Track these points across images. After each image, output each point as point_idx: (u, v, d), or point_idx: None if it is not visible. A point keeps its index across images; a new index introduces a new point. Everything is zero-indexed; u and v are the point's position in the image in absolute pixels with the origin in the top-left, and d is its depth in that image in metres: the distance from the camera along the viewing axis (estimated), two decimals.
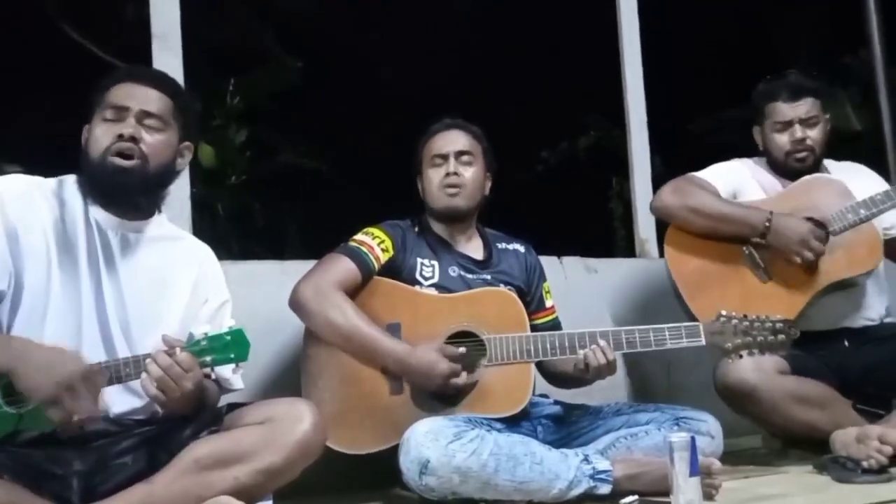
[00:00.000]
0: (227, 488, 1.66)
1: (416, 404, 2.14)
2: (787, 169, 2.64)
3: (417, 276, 2.29)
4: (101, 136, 1.83)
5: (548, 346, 2.19)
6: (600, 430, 2.24)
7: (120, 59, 6.05)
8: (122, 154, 1.82)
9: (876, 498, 1.93)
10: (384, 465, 2.09)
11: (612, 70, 3.53)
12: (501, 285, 2.33)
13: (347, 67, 8.29)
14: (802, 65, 7.12)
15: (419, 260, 2.32)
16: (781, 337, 2.14)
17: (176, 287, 1.89)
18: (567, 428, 2.29)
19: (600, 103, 6.73)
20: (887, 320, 2.64)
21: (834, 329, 2.54)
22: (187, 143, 1.96)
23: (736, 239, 2.54)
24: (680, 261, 2.59)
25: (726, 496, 1.98)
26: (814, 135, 2.62)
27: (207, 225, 7.00)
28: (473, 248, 2.43)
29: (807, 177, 2.61)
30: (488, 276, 2.36)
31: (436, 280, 2.30)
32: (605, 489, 2.02)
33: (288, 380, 2.38)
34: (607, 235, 9.07)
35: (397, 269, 2.29)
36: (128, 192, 1.84)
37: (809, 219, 2.51)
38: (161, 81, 1.93)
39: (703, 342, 2.17)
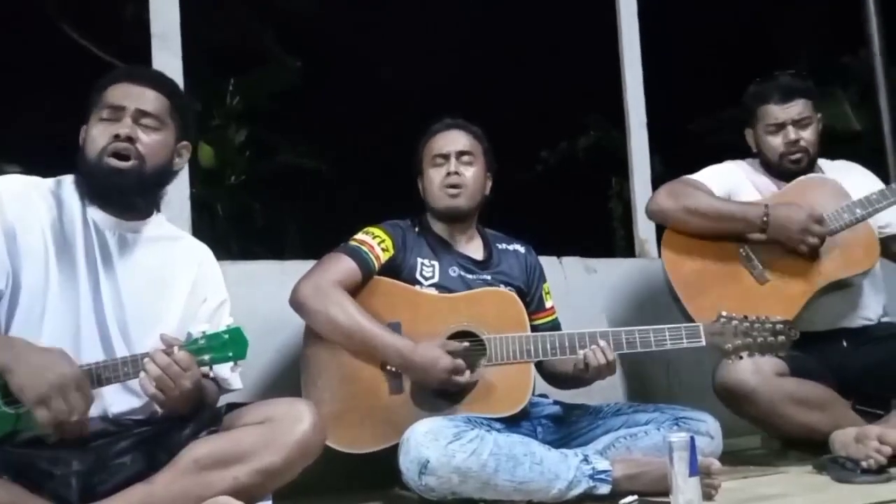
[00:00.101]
0: (226, 488, 1.66)
1: (416, 404, 2.13)
2: (782, 170, 2.64)
3: (417, 276, 2.29)
4: (97, 136, 1.83)
5: (548, 346, 2.19)
6: (600, 430, 2.24)
7: (119, 59, 6.06)
8: (118, 154, 1.81)
9: (875, 498, 1.93)
10: (384, 465, 2.09)
11: (612, 70, 3.53)
12: (501, 286, 2.33)
13: (347, 67, 8.29)
14: (802, 65, 7.13)
15: (419, 260, 2.32)
16: (781, 338, 2.14)
17: (174, 287, 1.89)
18: (567, 428, 2.30)
19: (600, 103, 6.73)
20: (885, 319, 2.64)
21: (832, 329, 2.54)
22: (185, 143, 1.96)
23: (733, 240, 2.54)
24: (677, 263, 2.58)
25: (726, 496, 1.98)
26: (807, 135, 2.62)
27: (207, 225, 7.01)
28: (474, 248, 2.43)
29: (802, 177, 2.61)
30: (488, 277, 2.36)
31: (436, 280, 2.30)
32: (604, 489, 2.02)
33: (287, 380, 2.38)
34: (607, 235, 9.07)
35: (397, 269, 2.29)
36: (124, 193, 1.84)
37: None
38: (158, 81, 1.93)
39: (703, 343, 2.17)
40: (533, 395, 2.27)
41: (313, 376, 2.19)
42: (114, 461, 1.67)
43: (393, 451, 2.01)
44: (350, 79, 8.20)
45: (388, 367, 2.16)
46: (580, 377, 2.21)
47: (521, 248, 2.50)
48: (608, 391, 2.60)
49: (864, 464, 2.12)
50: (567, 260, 3.03)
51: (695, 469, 1.74)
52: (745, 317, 2.15)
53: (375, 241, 2.28)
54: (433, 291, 2.28)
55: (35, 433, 1.63)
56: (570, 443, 2.22)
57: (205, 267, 1.97)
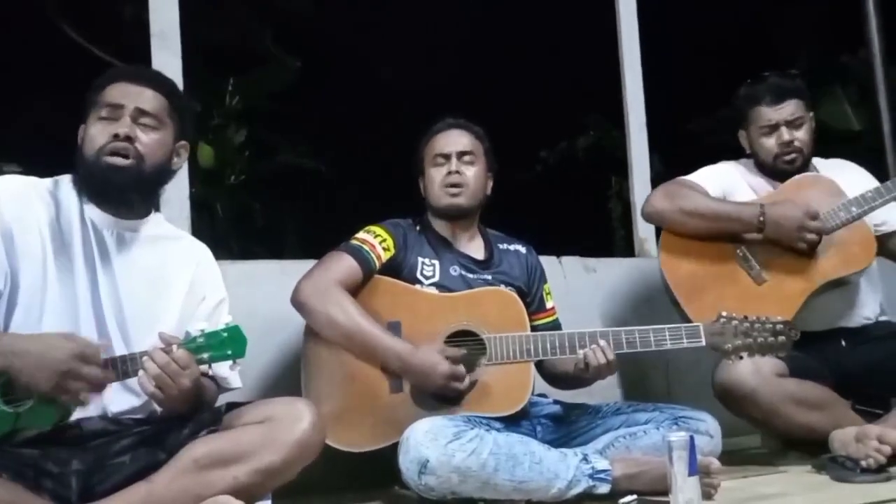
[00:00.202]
0: (226, 488, 1.66)
1: (416, 403, 2.14)
2: (777, 171, 2.64)
3: (418, 275, 2.29)
4: (96, 135, 1.83)
5: (547, 345, 2.19)
6: (599, 429, 2.24)
7: (119, 58, 6.05)
8: (117, 153, 1.82)
9: (875, 497, 1.94)
10: (384, 465, 2.10)
11: (612, 70, 3.53)
12: (502, 285, 2.33)
13: (347, 67, 8.29)
14: (802, 64, 7.12)
15: (420, 259, 2.32)
16: (782, 338, 2.14)
17: (173, 286, 1.90)
18: (566, 427, 2.30)
19: (600, 103, 6.73)
20: (883, 318, 2.65)
21: (830, 329, 2.55)
22: (183, 142, 1.96)
23: (730, 241, 2.54)
24: (674, 265, 2.59)
25: (725, 495, 1.98)
26: (800, 135, 2.62)
27: (206, 225, 7.00)
28: (475, 247, 2.43)
29: (797, 176, 2.61)
30: (489, 276, 2.36)
31: (436, 279, 2.30)
32: (604, 488, 2.02)
33: (287, 379, 2.38)
34: (606, 235, 9.06)
35: (398, 268, 2.29)
36: (123, 191, 1.85)
37: None
38: (156, 80, 1.94)
39: (703, 343, 2.17)
40: (532, 394, 2.27)
41: (313, 375, 2.19)
42: (113, 460, 1.67)
43: (393, 451, 2.01)
44: (350, 79, 8.19)
45: None
46: (580, 377, 2.21)
47: (522, 249, 2.50)
48: (607, 391, 2.60)
49: (863, 463, 2.13)
50: (567, 260, 3.04)
51: (694, 468, 1.75)
52: (746, 317, 2.16)
53: (377, 241, 2.28)
54: (433, 290, 2.28)
55: (34, 432, 1.63)
56: (570, 442, 2.22)
57: (203, 266, 1.98)
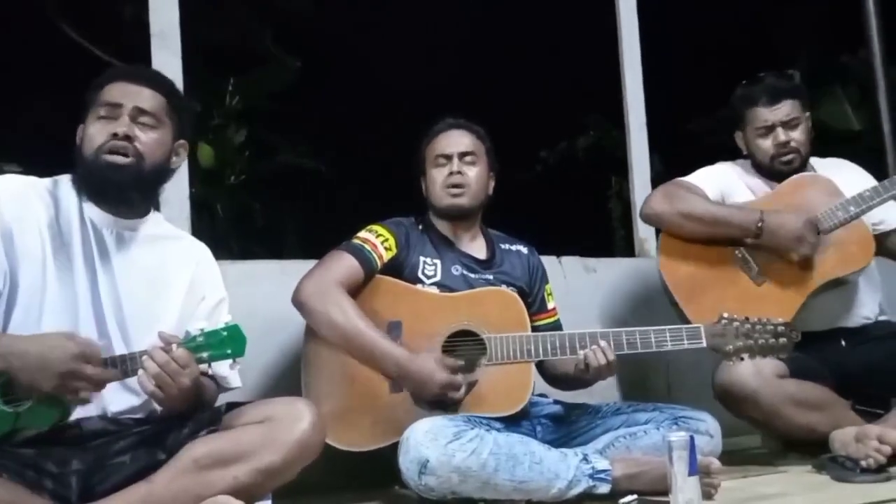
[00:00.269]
0: (226, 488, 1.66)
1: (416, 403, 2.13)
2: (774, 172, 2.64)
3: (420, 275, 2.29)
4: (95, 134, 1.83)
5: (548, 346, 2.19)
6: (599, 429, 2.24)
7: (119, 58, 6.05)
8: (116, 152, 1.82)
9: (874, 497, 1.94)
10: (383, 465, 2.10)
11: (612, 70, 3.53)
12: (503, 285, 2.33)
13: (347, 67, 8.28)
14: (802, 64, 7.12)
15: (422, 258, 2.32)
16: (783, 340, 2.14)
17: (172, 285, 1.90)
18: (566, 427, 2.30)
19: (600, 103, 6.72)
20: (882, 318, 2.65)
21: (830, 329, 2.55)
22: (182, 142, 1.97)
23: (728, 242, 2.54)
24: (673, 267, 2.58)
25: (725, 495, 1.98)
26: (797, 136, 2.62)
27: (206, 225, 6.99)
28: (477, 247, 2.43)
29: (794, 176, 2.61)
30: (490, 276, 2.36)
31: (438, 278, 2.30)
32: (604, 488, 2.02)
33: (287, 379, 2.38)
34: (606, 235, 9.06)
35: (400, 267, 2.29)
36: (122, 190, 1.85)
37: None
38: (155, 80, 1.94)
39: (704, 344, 2.17)
40: (532, 394, 2.27)
41: (314, 374, 2.19)
42: (113, 460, 1.67)
43: (392, 450, 2.01)
44: (350, 79, 8.19)
45: None
46: (581, 378, 2.21)
47: (523, 249, 2.50)
48: (607, 391, 2.60)
49: (863, 463, 2.13)
50: (567, 259, 3.04)
51: (694, 468, 1.74)
52: (747, 318, 2.15)
53: (379, 240, 2.28)
54: (435, 290, 2.28)
55: (34, 432, 1.63)
56: (570, 442, 2.22)
57: (203, 265, 1.98)
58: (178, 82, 2.40)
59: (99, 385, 1.65)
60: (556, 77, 8.13)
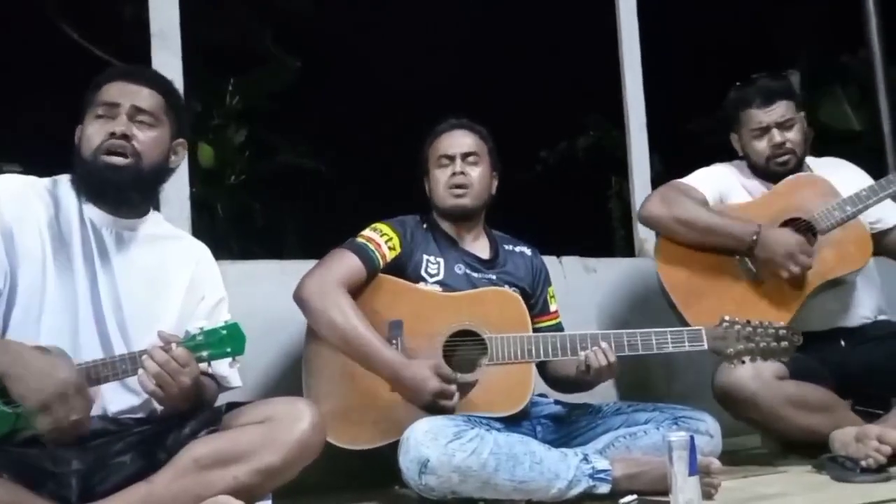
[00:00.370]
0: (226, 488, 1.66)
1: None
2: (770, 173, 2.63)
3: (422, 273, 2.29)
4: (93, 134, 1.83)
5: (549, 346, 2.19)
6: (599, 429, 2.24)
7: (119, 58, 6.05)
8: (114, 152, 1.82)
9: (874, 497, 1.94)
10: (383, 464, 2.10)
11: (612, 70, 3.53)
12: (506, 286, 2.33)
13: (347, 67, 8.28)
14: (802, 64, 7.12)
15: (425, 256, 2.32)
16: (784, 343, 2.13)
17: (172, 285, 1.90)
18: (566, 427, 2.30)
19: (600, 103, 6.72)
20: (882, 317, 2.64)
21: (829, 329, 2.54)
22: (181, 140, 1.97)
23: (724, 250, 2.53)
24: (672, 270, 2.58)
25: (725, 495, 1.98)
26: (792, 136, 2.61)
27: (206, 225, 6.99)
28: (480, 247, 2.43)
29: (790, 176, 2.61)
30: (493, 276, 2.36)
31: (441, 277, 2.30)
32: (604, 488, 2.02)
33: (287, 379, 2.38)
34: (607, 235, 9.06)
35: (403, 266, 2.29)
36: (121, 190, 1.85)
37: (796, 219, 2.51)
38: (153, 79, 1.94)
39: (706, 347, 2.17)
40: (533, 394, 2.27)
41: (315, 373, 2.19)
42: (113, 460, 1.67)
43: (392, 450, 2.01)
44: (350, 79, 8.19)
45: None
46: (582, 380, 2.21)
47: (527, 251, 2.51)
48: (607, 391, 2.60)
49: (863, 463, 2.13)
50: (567, 259, 3.04)
51: (694, 468, 1.74)
52: (748, 321, 2.15)
53: (383, 239, 2.28)
54: (437, 288, 2.28)
55: (35, 432, 1.63)
56: (570, 442, 2.22)
57: (202, 265, 1.98)
58: (178, 82, 2.40)
59: (79, 422, 1.58)
60: (556, 77, 8.13)
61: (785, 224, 2.53)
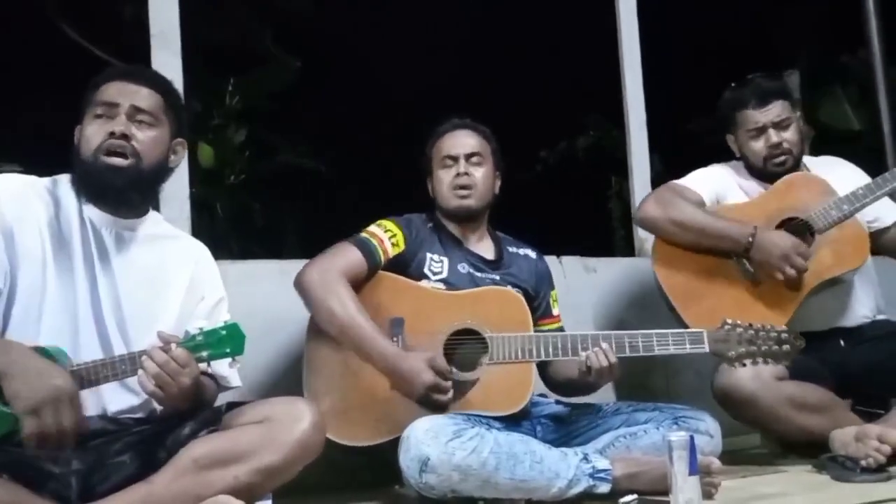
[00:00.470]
0: (226, 487, 1.66)
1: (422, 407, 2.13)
2: (767, 173, 2.63)
3: (426, 271, 2.30)
4: (92, 134, 1.83)
5: (549, 346, 2.19)
6: (599, 429, 2.24)
7: (119, 58, 6.05)
8: (114, 152, 1.82)
9: (874, 497, 1.93)
10: (383, 465, 2.10)
11: (612, 70, 3.52)
12: (509, 287, 2.33)
13: (347, 67, 8.28)
14: (802, 64, 7.12)
15: (429, 255, 2.32)
16: (786, 347, 2.13)
17: (171, 285, 1.90)
18: (566, 427, 2.30)
19: (600, 103, 6.72)
20: (881, 317, 2.64)
21: (828, 329, 2.54)
22: (180, 140, 1.97)
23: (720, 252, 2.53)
24: (669, 271, 2.58)
25: (725, 495, 1.98)
26: (788, 136, 2.61)
27: (206, 225, 6.99)
28: (485, 248, 2.44)
29: (787, 176, 2.60)
30: (497, 277, 2.36)
31: (444, 275, 2.30)
32: (604, 488, 2.02)
33: (287, 379, 2.38)
34: (607, 235, 9.06)
35: (406, 263, 2.30)
36: (121, 190, 1.85)
37: (793, 219, 2.51)
38: (152, 79, 1.94)
39: (707, 349, 2.17)
40: (533, 395, 2.27)
41: (316, 370, 2.19)
42: (113, 460, 1.67)
43: (393, 449, 2.01)
44: (349, 79, 8.19)
45: None
46: (583, 381, 2.20)
47: (532, 254, 2.51)
48: (606, 390, 2.59)
49: (863, 463, 2.13)
50: (567, 259, 3.04)
51: (694, 468, 1.74)
52: (750, 325, 2.15)
53: (386, 235, 2.28)
54: (441, 286, 2.28)
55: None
56: (570, 442, 2.22)
57: (202, 265, 1.98)
58: (178, 82, 2.40)
59: (65, 434, 1.55)
60: (556, 77, 8.13)
61: (782, 224, 2.53)
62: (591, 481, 2.01)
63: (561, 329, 2.46)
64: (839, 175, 2.62)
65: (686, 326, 2.46)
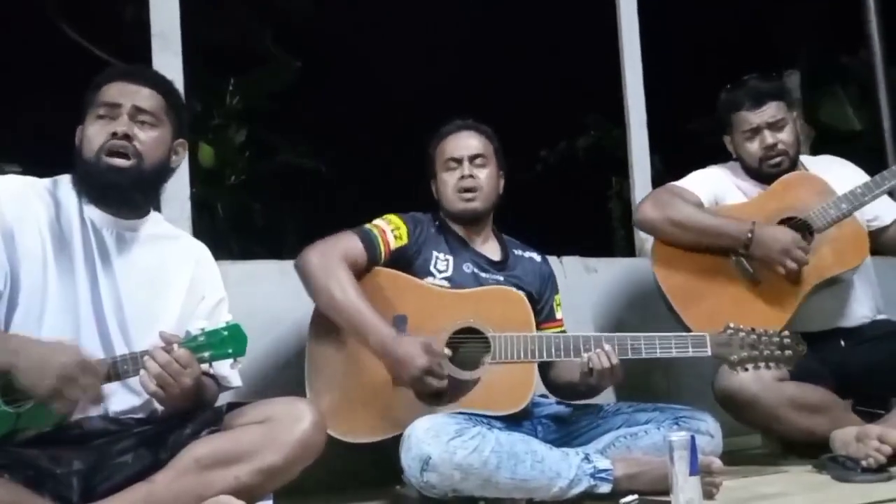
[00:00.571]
0: (227, 488, 1.66)
1: (419, 396, 2.13)
2: (764, 175, 2.62)
3: (431, 269, 2.30)
4: (94, 135, 1.83)
5: (552, 347, 2.18)
6: (600, 429, 2.24)
7: (119, 58, 6.05)
8: (116, 153, 1.82)
9: (875, 497, 1.93)
10: (384, 465, 2.10)
11: (612, 69, 3.52)
12: (513, 288, 2.33)
13: (347, 67, 8.29)
14: (802, 64, 7.12)
15: (435, 253, 2.32)
16: (788, 352, 2.13)
17: (172, 285, 1.90)
18: (567, 427, 2.30)
19: (600, 103, 6.72)
20: (881, 317, 2.64)
21: (828, 329, 2.54)
22: (181, 140, 1.97)
23: (722, 248, 2.53)
24: (669, 273, 2.58)
25: (726, 495, 1.98)
26: (784, 137, 2.61)
27: (207, 225, 7.00)
28: (491, 249, 2.44)
29: (785, 176, 2.60)
30: (501, 278, 2.36)
31: (449, 273, 2.30)
32: (605, 488, 2.02)
33: (287, 379, 2.38)
34: (606, 235, 9.06)
35: (411, 259, 2.30)
36: (123, 191, 1.85)
37: (791, 219, 2.51)
38: (152, 79, 1.94)
39: (709, 353, 2.17)
40: (534, 395, 2.27)
41: (318, 367, 2.19)
42: (115, 460, 1.67)
43: (394, 448, 2.01)
44: (349, 79, 8.20)
45: None
46: (585, 383, 2.19)
47: (537, 257, 2.51)
48: (607, 390, 2.58)
49: (864, 463, 2.13)
50: (567, 260, 3.03)
51: (695, 468, 1.74)
52: (753, 329, 2.15)
53: (389, 227, 2.29)
54: (445, 284, 2.28)
55: (35, 432, 1.63)
56: (571, 442, 2.22)
57: (202, 265, 1.98)
58: (179, 82, 2.40)
59: (93, 398, 1.64)
60: (556, 77, 8.13)
61: (781, 223, 2.53)
62: (592, 481, 2.01)
63: (564, 333, 2.45)
64: (837, 174, 2.61)
65: (686, 327, 2.46)
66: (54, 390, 1.57)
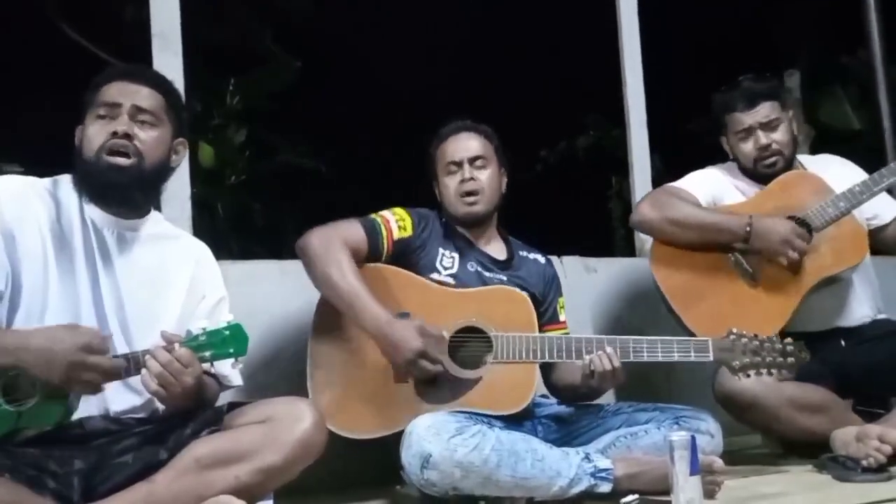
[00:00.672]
0: (227, 487, 1.66)
1: (419, 393, 2.13)
2: (758, 175, 2.63)
3: (437, 265, 2.30)
4: (94, 134, 1.83)
5: (554, 348, 2.18)
6: (600, 429, 2.24)
7: (119, 58, 6.05)
8: (117, 152, 1.82)
9: (875, 497, 1.94)
10: (385, 464, 2.10)
11: (612, 69, 3.52)
12: (517, 288, 2.33)
13: (347, 67, 8.29)
14: (802, 63, 7.12)
15: (441, 249, 2.33)
16: (791, 360, 2.13)
17: (173, 284, 1.90)
18: (567, 427, 2.30)
19: (600, 103, 6.72)
20: (881, 317, 2.64)
21: (828, 329, 2.54)
22: (181, 140, 1.97)
23: (719, 247, 2.53)
24: (668, 274, 2.57)
25: (726, 494, 1.98)
26: (778, 137, 2.61)
27: (207, 225, 6.99)
28: (495, 248, 2.44)
29: (783, 175, 2.60)
30: (505, 278, 2.36)
31: (454, 271, 2.30)
32: (605, 487, 2.02)
33: (288, 379, 2.38)
34: (606, 235, 9.06)
35: (415, 254, 2.30)
36: (124, 190, 1.85)
37: (790, 218, 2.50)
38: (152, 79, 1.94)
39: (711, 358, 2.16)
40: (535, 395, 2.27)
41: (319, 363, 2.19)
42: (115, 460, 1.67)
43: (393, 446, 2.01)
44: (349, 79, 8.20)
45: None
46: (586, 385, 2.19)
47: (541, 259, 2.51)
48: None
49: (864, 462, 2.13)
50: (567, 259, 3.03)
51: (696, 468, 1.74)
52: (756, 335, 2.14)
53: (394, 218, 2.29)
54: (450, 280, 2.28)
55: (35, 431, 1.63)
56: (571, 442, 2.22)
57: (202, 264, 1.98)
58: (179, 82, 2.40)
59: (107, 374, 1.64)
60: (556, 77, 8.13)
61: None
62: (592, 480, 2.01)
63: (567, 335, 2.45)
64: (835, 173, 2.61)
65: (685, 327, 2.46)
66: (67, 379, 1.58)
